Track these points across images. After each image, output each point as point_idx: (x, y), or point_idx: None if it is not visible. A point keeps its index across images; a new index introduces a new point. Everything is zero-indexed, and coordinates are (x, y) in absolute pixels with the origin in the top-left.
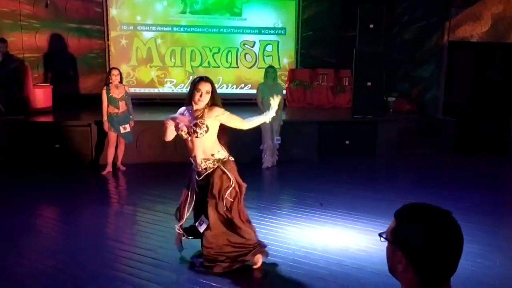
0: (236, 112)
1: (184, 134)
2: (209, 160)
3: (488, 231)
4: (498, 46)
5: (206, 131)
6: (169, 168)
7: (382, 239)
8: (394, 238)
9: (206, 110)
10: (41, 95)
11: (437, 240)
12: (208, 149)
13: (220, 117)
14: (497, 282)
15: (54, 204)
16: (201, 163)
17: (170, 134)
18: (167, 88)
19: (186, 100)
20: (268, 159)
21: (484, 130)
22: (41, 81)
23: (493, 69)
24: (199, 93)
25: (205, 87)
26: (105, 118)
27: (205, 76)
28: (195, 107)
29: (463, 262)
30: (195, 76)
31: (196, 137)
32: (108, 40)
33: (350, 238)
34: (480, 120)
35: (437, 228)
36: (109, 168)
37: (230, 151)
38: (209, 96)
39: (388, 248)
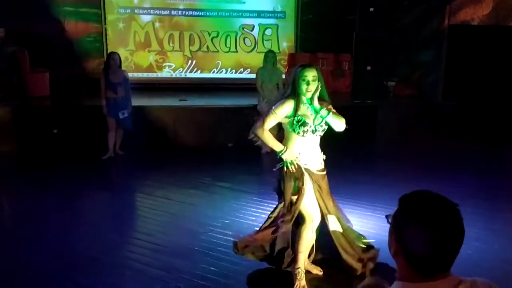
0: (235, 97)
1: (303, 132)
2: (320, 159)
3: (487, 215)
4: (500, 29)
5: (325, 130)
6: (169, 154)
7: (387, 221)
8: (393, 223)
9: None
10: (38, 80)
11: (432, 239)
12: (317, 149)
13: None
14: (494, 265)
15: (52, 190)
16: (314, 163)
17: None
18: (165, 73)
19: (287, 92)
20: None
21: (484, 115)
22: (38, 66)
23: (494, 53)
24: (306, 82)
25: (311, 74)
26: (103, 102)
27: (308, 63)
28: (304, 100)
29: None
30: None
31: (318, 135)
32: (105, 23)
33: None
34: (480, 104)
35: (436, 226)
36: (110, 153)
37: (231, 136)
38: (315, 84)
39: (389, 231)
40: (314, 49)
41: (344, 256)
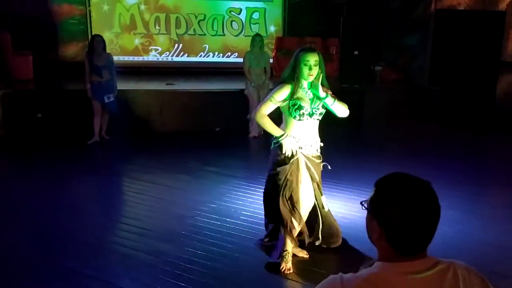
0: (222, 81)
1: (300, 116)
2: (316, 145)
3: (469, 198)
4: (486, 14)
5: (322, 113)
6: (155, 138)
7: (363, 207)
8: (371, 208)
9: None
10: (21, 63)
11: (411, 214)
12: (315, 134)
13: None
14: (475, 247)
15: (37, 175)
16: (309, 149)
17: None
18: (152, 56)
19: (286, 76)
20: (255, 128)
21: (468, 100)
22: (21, 49)
23: (480, 38)
24: (308, 66)
25: (313, 58)
26: (88, 85)
27: (310, 47)
28: (304, 84)
29: (442, 228)
30: (299, 48)
31: (315, 119)
32: (89, 5)
33: (335, 206)
34: (465, 90)
35: (412, 201)
36: (96, 138)
37: (218, 121)
38: (317, 68)
39: (366, 216)
40: (301, 33)
41: (332, 229)
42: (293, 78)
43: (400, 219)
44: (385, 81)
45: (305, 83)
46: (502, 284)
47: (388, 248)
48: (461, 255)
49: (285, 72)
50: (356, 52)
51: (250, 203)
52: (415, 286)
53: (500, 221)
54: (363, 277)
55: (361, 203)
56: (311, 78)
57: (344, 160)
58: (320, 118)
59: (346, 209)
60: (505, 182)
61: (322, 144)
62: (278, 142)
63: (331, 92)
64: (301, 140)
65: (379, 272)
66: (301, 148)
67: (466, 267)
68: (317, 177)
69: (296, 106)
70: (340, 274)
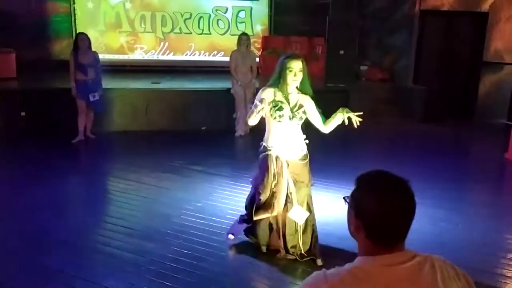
0: (209, 80)
1: (279, 117)
2: (300, 146)
3: (453, 196)
4: (469, 14)
5: (302, 118)
6: (140, 137)
7: (345, 202)
8: (351, 201)
9: (300, 95)
10: (4, 61)
11: (384, 204)
12: (298, 137)
13: (308, 108)
14: (458, 244)
15: (21, 174)
16: (290, 152)
17: (259, 116)
18: (137, 55)
19: (271, 81)
20: (241, 128)
21: (452, 98)
22: (3, 47)
23: (463, 38)
24: (292, 73)
25: (297, 65)
26: (73, 84)
27: (294, 53)
28: (289, 89)
29: (426, 226)
30: (284, 55)
31: (296, 123)
32: (73, 3)
33: (320, 204)
34: (448, 88)
35: (385, 192)
36: (80, 137)
37: (204, 119)
38: (301, 74)
39: (347, 210)
40: (288, 32)
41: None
42: (278, 83)
43: (374, 209)
44: (371, 81)
45: (290, 88)
46: (486, 281)
47: (366, 241)
48: (444, 252)
49: (272, 77)
50: (341, 52)
51: (236, 201)
52: (395, 276)
53: (482, 219)
54: (346, 270)
55: (344, 198)
56: (295, 84)
57: (329, 159)
58: (300, 123)
59: (331, 207)
60: (486, 180)
61: (307, 141)
62: (265, 150)
63: (310, 100)
64: (283, 144)
65: (360, 265)
66: (278, 155)
67: (442, 259)
68: (305, 180)
69: (277, 108)
70: (323, 269)
